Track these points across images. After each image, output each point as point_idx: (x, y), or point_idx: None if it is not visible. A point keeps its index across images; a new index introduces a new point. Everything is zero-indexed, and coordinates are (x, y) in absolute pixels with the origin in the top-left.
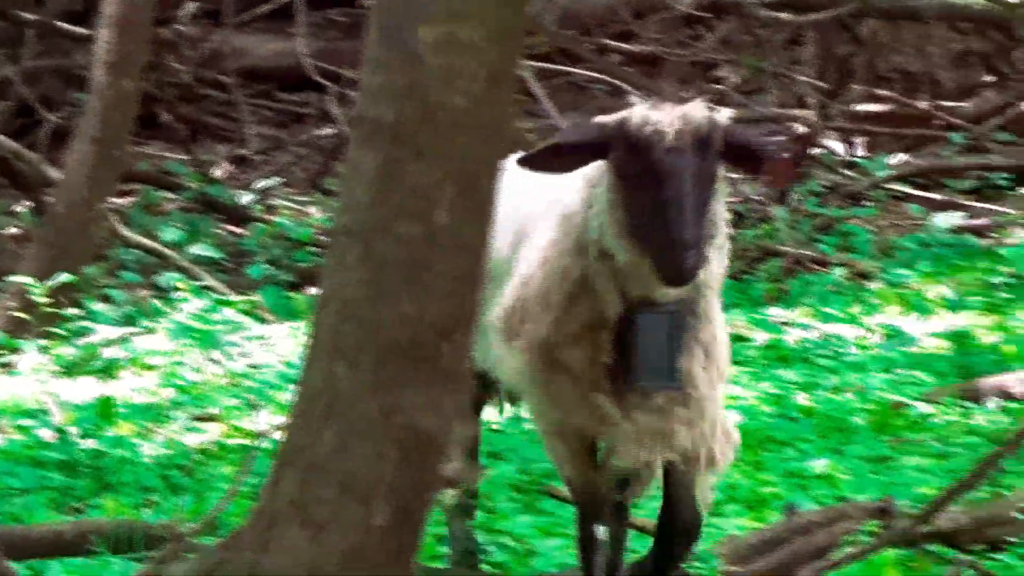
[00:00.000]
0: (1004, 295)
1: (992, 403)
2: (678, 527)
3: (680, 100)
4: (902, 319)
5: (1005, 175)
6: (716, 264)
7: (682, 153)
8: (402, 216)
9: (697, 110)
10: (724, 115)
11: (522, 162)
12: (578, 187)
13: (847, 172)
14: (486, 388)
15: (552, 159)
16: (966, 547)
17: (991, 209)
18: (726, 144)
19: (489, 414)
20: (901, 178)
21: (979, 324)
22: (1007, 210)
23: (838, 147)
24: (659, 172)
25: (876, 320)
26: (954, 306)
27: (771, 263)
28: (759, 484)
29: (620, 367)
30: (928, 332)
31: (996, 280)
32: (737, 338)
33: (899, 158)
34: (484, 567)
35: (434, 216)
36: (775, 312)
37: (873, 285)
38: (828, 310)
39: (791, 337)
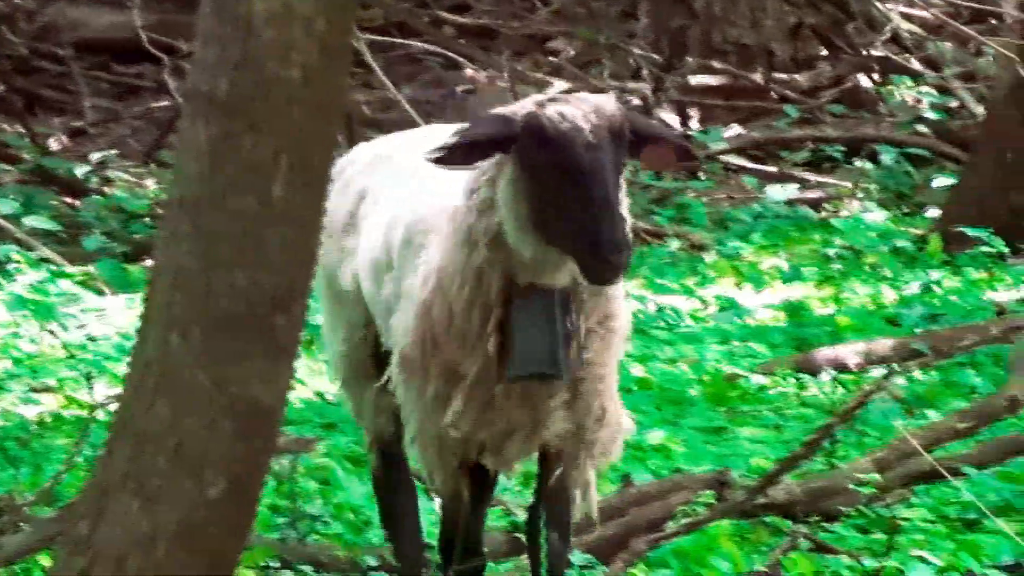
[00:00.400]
0: (838, 267)
1: (826, 375)
2: (549, 521)
3: (584, 88)
4: (737, 291)
5: (839, 147)
6: None
7: (600, 149)
8: (235, 189)
9: (608, 103)
10: (622, 104)
11: (438, 161)
12: (458, 182)
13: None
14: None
15: (463, 155)
16: (801, 518)
17: (825, 181)
18: (635, 127)
19: (322, 384)
20: (736, 150)
21: (813, 296)
22: (841, 182)
23: (673, 120)
24: (580, 170)
25: (711, 292)
26: (788, 278)
27: None
28: None
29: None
30: (763, 304)
31: (830, 252)
32: None
33: (734, 130)
34: (319, 538)
35: (268, 189)
36: None
37: (708, 257)
38: (663, 282)
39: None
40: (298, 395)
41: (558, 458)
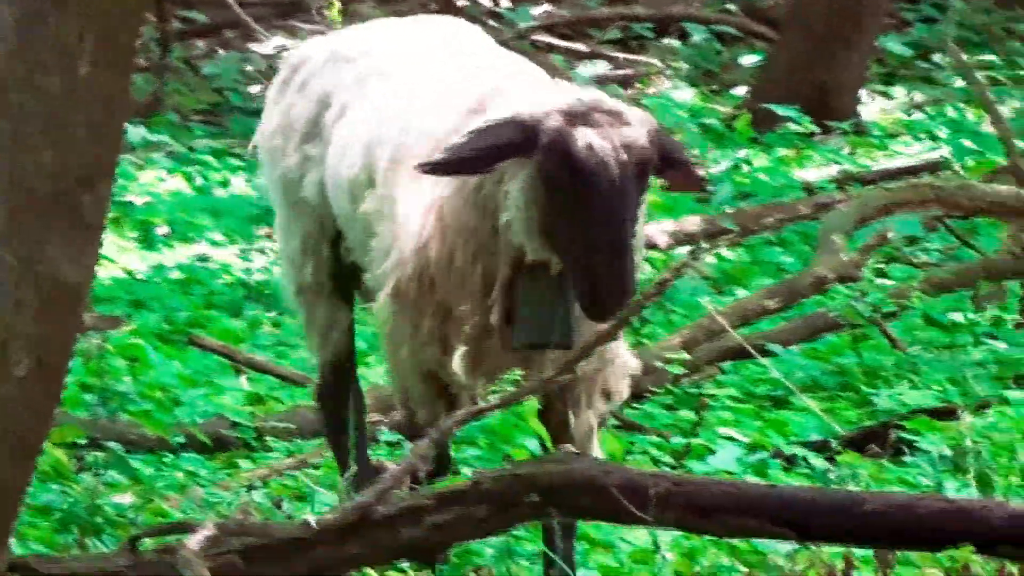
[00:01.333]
0: None
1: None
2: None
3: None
4: None
5: (648, 25)
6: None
7: (624, 192)
8: (42, 69)
9: (640, 134)
10: (650, 120)
11: (432, 170)
12: (445, 95)
13: (491, 23)
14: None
15: (466, 164)
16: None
17: (634, 60)
18: (662, 156)
19: (131, 262)
20: (545, 28)
21: None
22: (650, 60)
23: None
24: (599, 210)
25: None
26: None
27: None
28: None
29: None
30: None
31: None
32: None
33: (543, 8)
34: (128, 416)
35: (73, 69)
36: None
37: None
38: None
39: None
40: (107, 273)
41: (559, 401)
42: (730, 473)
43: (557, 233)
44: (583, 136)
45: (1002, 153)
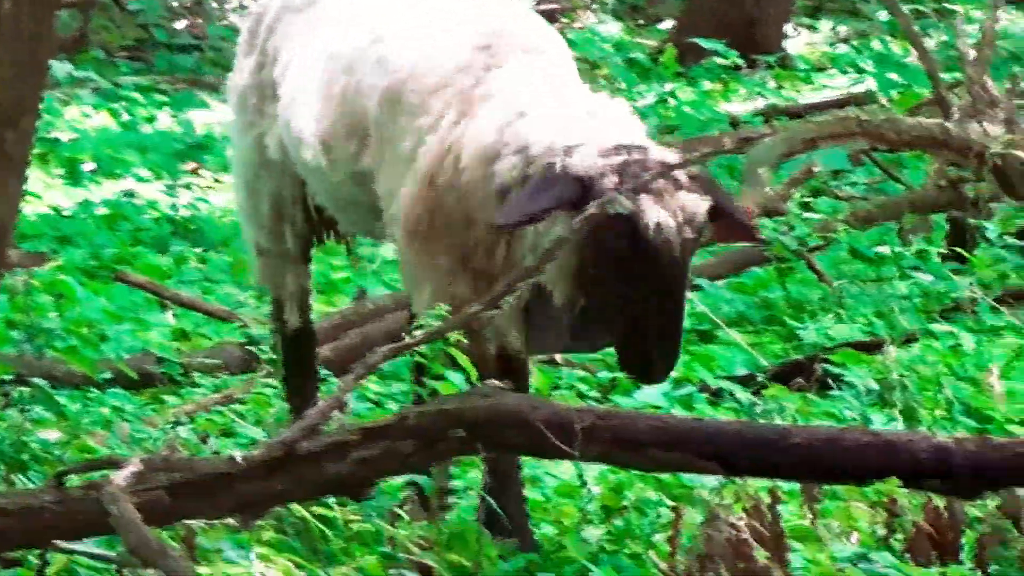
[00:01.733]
0: None
1: None
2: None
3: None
4: None
5: None
6: None
7: (683, 265)
8: None
9: (700, 204)
10: (712, 188)
11: (505, 226)
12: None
13: None
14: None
15: (530, 222)
16: None
17: None
18: (717, 213)
19: (57, 198)
20: None
21: None
22: None
23: None
24: (659, 282)
25: None
26: None
27: None
28: (330, 269)
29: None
30: None
31: None
32: None
33: None
34: (54, 352)
35: None
36: None
37: None
38: None
39: None
40: (32, 209)
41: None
42: (656, 407)
43: (597, 284)
44: (649, 213)
45: (928, 86)
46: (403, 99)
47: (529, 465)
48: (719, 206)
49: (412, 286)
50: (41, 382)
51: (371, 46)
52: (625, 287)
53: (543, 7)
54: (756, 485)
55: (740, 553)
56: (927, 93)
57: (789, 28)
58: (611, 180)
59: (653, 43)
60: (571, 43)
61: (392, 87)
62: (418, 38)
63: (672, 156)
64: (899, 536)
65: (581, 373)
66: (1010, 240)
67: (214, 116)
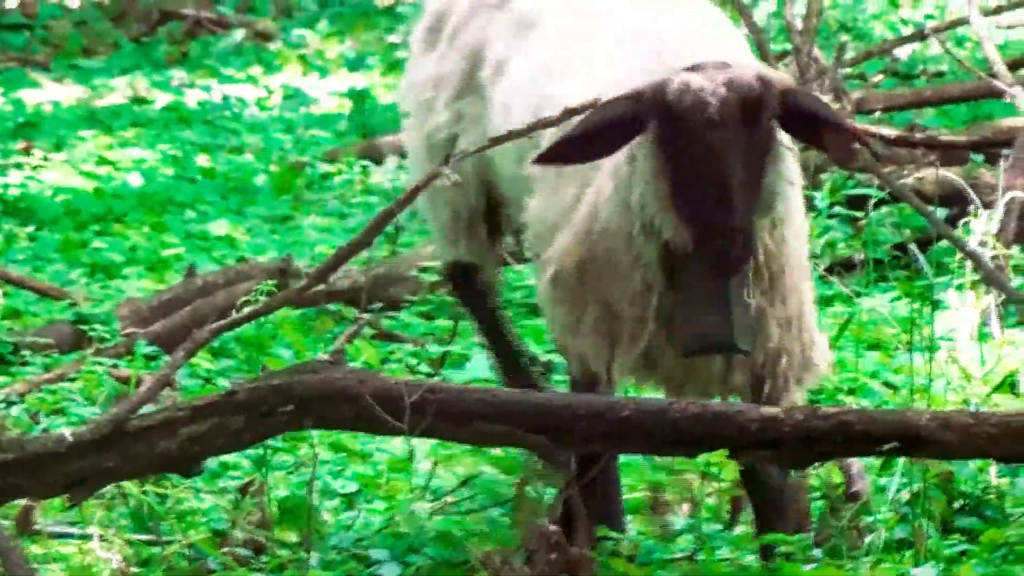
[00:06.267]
0: (403, 54)
1: (391, 161)
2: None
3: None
4: (303, 79)
5: None
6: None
7: (728, 127)
8: None
9: (747, 75)
10: (781, 78)
11: (541, 160)
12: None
13: None
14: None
15: (579, 148)
16: (365, 305)
17: None
18: (786, 111)
19: None
20: None
21: (378, 83)
22: None
23: None
24: (702, 149)
25: (277, 80)
26: (353, 65)
27: (171, 25)
28: (160, 246)
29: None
30: (328, 92)
31: (395, 39)
32: (138, 100)
33: None
34: None
35: None
36: (176, 74)
37: (273, 46)
38: (228, 71)
39: (191, 99)
40: None
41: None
42: (487, 381)
43: (686, 203)
44: (680, 80)
45: (757, 55)
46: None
47: (360, 440)
48: (805, 109)
49: (555, 333)
50: None
51: (567, 54)
52: (686, 175)
53: None
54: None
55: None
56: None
57: None
58: (664, 81)
59: None
60: (401, 17)
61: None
62: (604, 50)
63: (751, 72)
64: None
65: (412, 347)
66: (839, 210)
67: (44, 95)
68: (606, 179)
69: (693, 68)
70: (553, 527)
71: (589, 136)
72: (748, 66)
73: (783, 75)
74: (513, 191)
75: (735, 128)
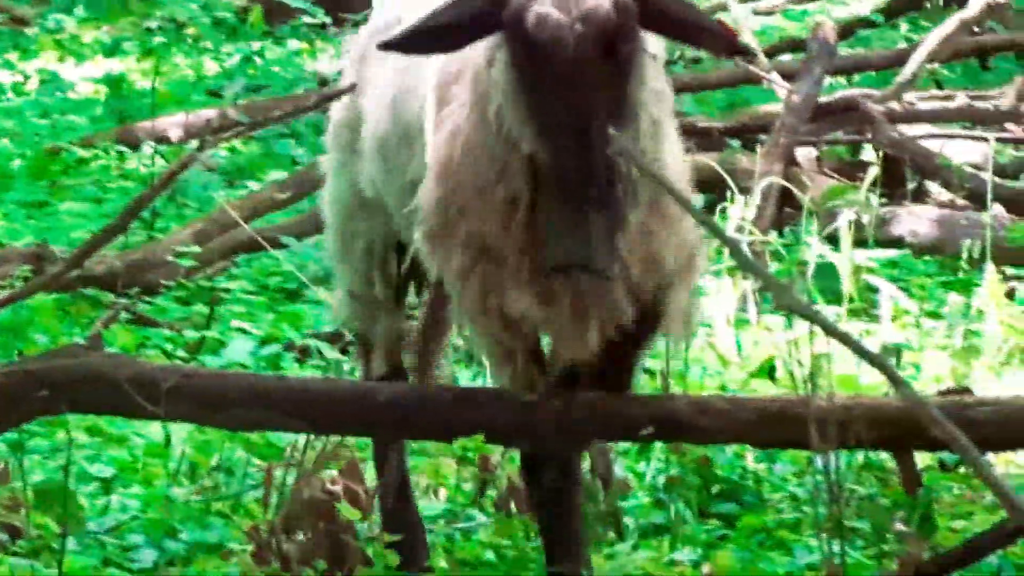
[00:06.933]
0: (160, 39)
1: (147, 147)
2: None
3: None
4: (59, 64)
5: None
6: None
7: (583, 63)
8: None
9: (605, 2)
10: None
11: (386, 46)
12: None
13: None
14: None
15: (426, 41)
16: (122, 291)
17: None
18: (653, 18)
19: None
20: None
21: (135, 69)
22: None
23: None
24: (557, 82)
25: (33, 66)
26: (110, 51)
27: None
28: None
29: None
30: (84, 77)
31: (152, 24)
32: None
33: None
34: None
35: None
36: None
37: (30, 31)
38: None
39: None
40: None
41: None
42: (244, 366)
43: (537, 118)
44: (536, 8)
45: None
46: (439, 95)
47: (116, 425)
48: (664, 12)
49: (450, 298)
50: None
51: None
52: (539, 102)
53: None
54: (355, 442)
55: (323, 513)
56: None
57: None
58: None
59: (240, 2)
60: (158, 3)
61: (438, 86)
62: None
63: None
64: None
65: (168, 332)
66: None
67: None
68: (465, 92)
69: None
70: (321, 495)
71: (439, 28)
72: None
73: None
74: (408, 228)
75: (591, 63)
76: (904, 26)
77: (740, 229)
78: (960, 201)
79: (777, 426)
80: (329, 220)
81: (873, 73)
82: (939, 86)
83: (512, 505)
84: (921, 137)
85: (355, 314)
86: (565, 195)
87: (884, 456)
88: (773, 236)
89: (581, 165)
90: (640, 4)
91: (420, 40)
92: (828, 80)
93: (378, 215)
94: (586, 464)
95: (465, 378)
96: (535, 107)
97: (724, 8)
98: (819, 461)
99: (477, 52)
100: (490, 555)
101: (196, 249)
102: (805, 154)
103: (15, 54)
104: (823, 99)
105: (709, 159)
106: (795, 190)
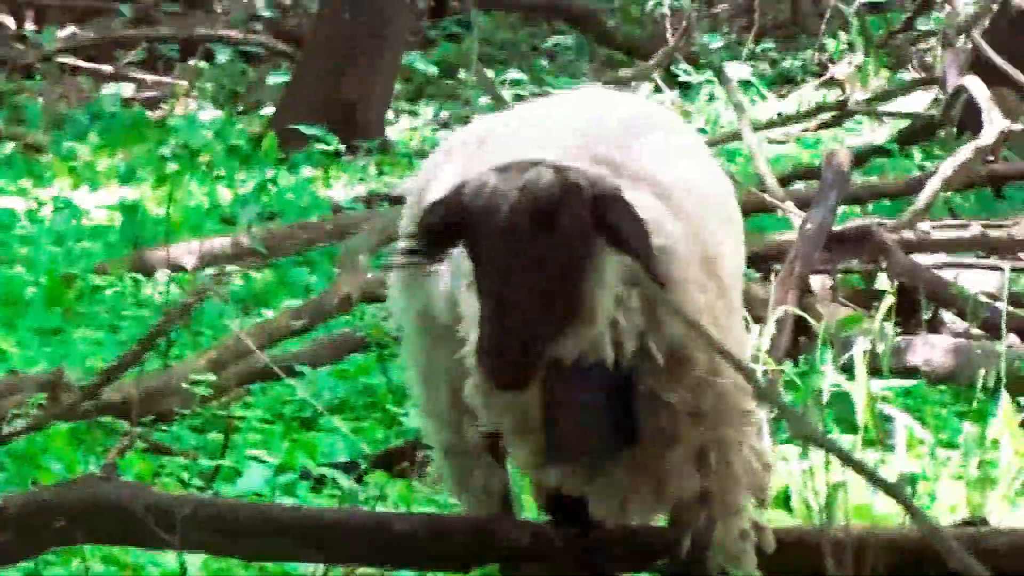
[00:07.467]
0: (174, 167)
1: (162, 274)
2: None
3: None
4: (73, 191)
5: (174, 46)
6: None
7: (518, 234)
8: None
9: (546, 176)
10: (601, 182)
11: (399, 264)
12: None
13: (17, 45)
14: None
15: (420, 254)
16: (136, 419)
17: (160, 80)
18: (596, 221)
19: None
20: (71, 50)
21: (149, 196)
22: (176, 81)
23: (9, 21)
24: (489, 255)
25: (47, 192)
26: (124, 178)
27: None
28: None
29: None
30: (98, 204)
31: (166, 151)
32: None
33: (69, 30)
34: None
35: None
36: None
37: (44, 158)
38: None
39: None
40: None
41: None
42: (259, 495)
43: (481, 295)
44: (479, 180)
45: None
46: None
47: (133, 554)
48: (610, 224)
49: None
50: None
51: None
52: (478, 275)
53: (145, 95)
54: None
55: None
56: None
57: (390, 113)
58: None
59: (254, 130)
60: (172, 130)
61: None
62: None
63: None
64: None
65: (183, 460)
66: None
67: None
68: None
69: (504, 168)
70: None
71: (423, 242)
72: (562, 167)
73: (608, 180)
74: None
75: (525, 234)
76: (917, 155)
77: (755, 358)
78: (975, 330)
79: (794, 556)
80: (408, 360)
81: (887, 201)
82: (953, 215)
83: None
84: (935, 266)
85: (455, 474)
86: (490, 382)
87: None
88: (788, 365)
89: (501, 333)
90: (595, 203)
91: (415, 257)
92: (842, 208)
93: (451, 338)
94: None
95: None
96: (479, 283)
97: (737, 137)
98: None
99: None
100: None
101: (211, 377)
102: (819, 283)
103: (29, 181)
104: (837, 227)
105: None
106: (810, 319)
